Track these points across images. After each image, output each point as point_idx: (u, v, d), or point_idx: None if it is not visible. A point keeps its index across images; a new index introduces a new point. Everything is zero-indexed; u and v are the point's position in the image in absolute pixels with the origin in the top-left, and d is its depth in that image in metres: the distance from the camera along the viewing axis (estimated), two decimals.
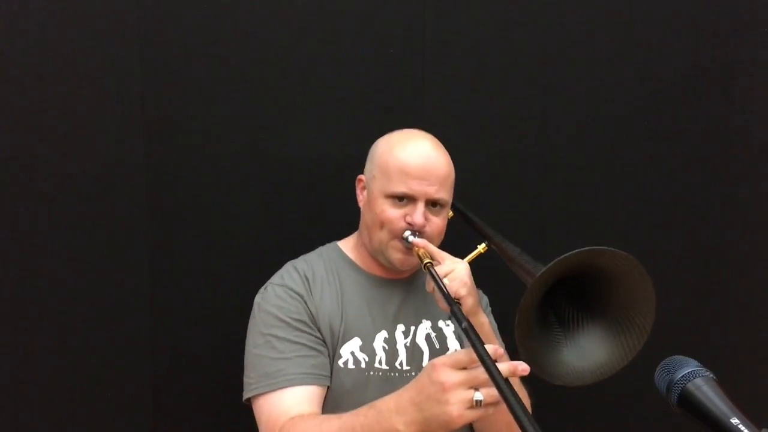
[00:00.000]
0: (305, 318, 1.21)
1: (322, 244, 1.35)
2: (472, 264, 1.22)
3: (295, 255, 1.32)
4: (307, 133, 1.49)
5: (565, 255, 0.78)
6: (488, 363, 0.80)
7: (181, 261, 1.48)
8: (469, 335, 0.86)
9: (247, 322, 1.35)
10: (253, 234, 1.50)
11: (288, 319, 1.20)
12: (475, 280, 1.37)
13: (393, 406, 0.95)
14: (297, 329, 1.19)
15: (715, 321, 1.72)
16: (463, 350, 0.88)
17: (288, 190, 1.51)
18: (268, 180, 1.50)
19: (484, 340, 1.08)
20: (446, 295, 1.00)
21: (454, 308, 0.93)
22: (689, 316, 1.71)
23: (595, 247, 0.78)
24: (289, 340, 1.18)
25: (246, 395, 1.19)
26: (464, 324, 0.88)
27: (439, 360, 0.89)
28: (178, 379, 1.50)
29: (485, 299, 1.39)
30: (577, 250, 0.78)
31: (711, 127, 1.68)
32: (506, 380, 0.80)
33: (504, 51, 1.57)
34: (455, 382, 0.86)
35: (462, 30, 1.55)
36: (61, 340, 1.43)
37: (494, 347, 0.86)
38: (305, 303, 1.22)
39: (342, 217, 1.37)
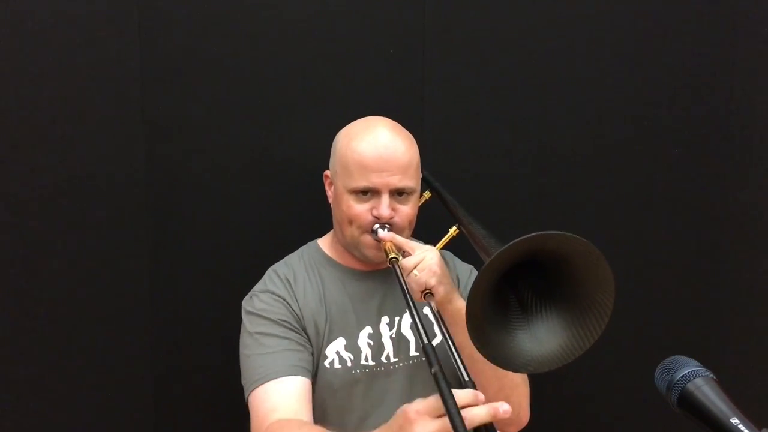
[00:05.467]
0: (290, 319, 1.22)
1: None
2: (451, 244, 1.22)
3: None
4: (307, 132, 1.49)
5: (515, 240, 0.78)
6: (454, 418, 0.72)
7: (182, 261, 1.48)
8: (438, 382, 0.78)
9: None
10: (255, 234, 1.50)
11: (274, 318, 1.21)
12: (460, 257, 1.37)
13: None
14: (283, 327, 1.21)
15: (715, 321, 1.72)
16: (436, 396, 0.80)
17: (287, 190, 1.50)
18: (269, 180, 1.50)
19: (464, 328, 1.03)
20: (409, 303, 0.96)
21: (426, 350, 0.85)
22: (689, 316, 1.71)
23: (543, 232, 0.78)
24: (276, 336, 1.20)
25: (245, 397, 1.20)
26: (434, 369, 0.80)
27: (412, 408, 0.81)
28: (179, 380, 1.50)
29: (474, 273, 1.36)
30: (525, 236, 0.78)
31: (711, 127, 1.67)
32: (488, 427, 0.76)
33: (504, 51, 1.57)
34: None
35: (462, 30, 1.55)
36: (61, 340, 1.43)
37: (473, 393, 0.79)
38: (289, 306, 1.23)
39: None
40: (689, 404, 0.66)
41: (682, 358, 0.71)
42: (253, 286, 1.29)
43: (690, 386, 0.66)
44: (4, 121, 1.36)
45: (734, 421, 0.62)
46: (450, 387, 0.77)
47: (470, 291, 0.81)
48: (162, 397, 1.49)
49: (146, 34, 1.40)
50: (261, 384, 1.15)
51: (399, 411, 0.84)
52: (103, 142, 1.41)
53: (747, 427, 0.61)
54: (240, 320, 1.26)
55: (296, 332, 1.22)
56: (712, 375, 0.67)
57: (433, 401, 0.80)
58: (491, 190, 1.59)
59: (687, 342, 1.69)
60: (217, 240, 1.49)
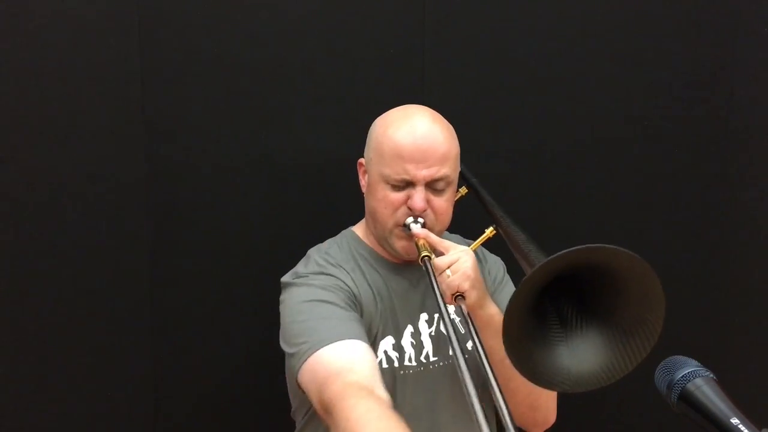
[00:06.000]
0: (353, 301, 1.13)
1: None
2: (485, 242, 1.17)
3: (295, 256, 1.31)
4: (307, 132, 1.49)
5: (561, 252, 0.74)
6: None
7: (182, 261, 1.48)
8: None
9: (249, 322, 1.35)
10: (254, 234, 1.50)
11: (334, 290, 1.12)
12: (495, 253, 1.34)
13: None
14: (345, 301, 1.11)
15: (715, 321, 1.72)
16: None
17: (287, 190, 1.50)
18: (268, 180, 1.50)
19: (495, 333, 0.98)
20: (440, 305, 0.92)
21: (452, 339, 0.84)
22: (689, 316, 1.71)
23: (591, 245, 0.74)
24: (338, 306, 1.10)
25: (299, 363, 1.04)
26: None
27: None
28: (179, 380, 1.50)
29: (503, 267, 1.33)
30: (575, 248, 0.74)
31: (711, 127, 1.67)
32: None
33: (504, 51, 1.57)
34: None
35: (462, 30, 1.55)
36: (61, 340, 1.43)
37: None
38: (350, 289, 1.15)
39: (341, 218, 1.37)
40: (689, 404, 0.66)
41: (682, 358, 0.71)
42: (253, 285, 1.28)
43: (690, 386, 0.66)
44: (4, 121, 1.36)
45: (734, 421, 0.62)
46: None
47: (509, 304, 0.77)
48: (162, 397, 1.49)
49: (146, 34, 1.40)
50: (329, 344, 1.01)
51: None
52: (103, 142, 1.41)
53: (747, 427, 0.61)
54: (243, 318, 1.24)
55: (358, 312, 1.12)
56: (712, 375, 0.67)
57: None
58: (490, 190, 1.59)
59: (687, 342, 1.69)
60: (217, 240, 1.49)
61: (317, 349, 1.02)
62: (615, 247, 0.75)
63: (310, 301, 1.11)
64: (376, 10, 1.50)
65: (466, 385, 0.80)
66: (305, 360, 1.03)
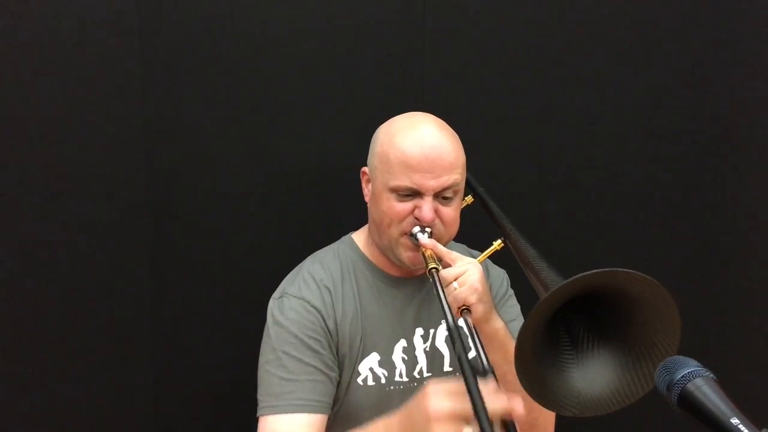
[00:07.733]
0: (321, 336, 1.14)
1: (322, 246, 1.33)
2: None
3: (295, 257, 1.32)
4: (307, 133, 1.49)
5: (577, 276, 0.72)
6: (476, 398, 0.73)
7: (182, 261, 1.48)
8: (462, 367, 0.78)
9: (249, 322, 1.34)
10: (254, 234, 1.50)
11: (303, 337, 1.13)
12: (498, 264, 1.33)
13: (383, 429, 0.92)
14: (311, 349, 1.13)
15: (715, 321, 1.72)
16: (458, 379, 0.80)
17: (288, 190, 1.50)
18: (268, 180, 1.50)
19: (499, 347, 1.04)
20: (446, 314, 0.92)
21: (451, 331, 0.86)
22: (689, 316, 1.70)
23: (611, 269, 0.73)
24: (301, 361, 1.12)
25: (257, 413, 1.14)
26: (458, 353, 0.81)
27: (433, 385, 0.82)
28: (179, 380, 1.50)
29: (506, 280, 1.32)
30: (592, 271, 0.72)
31: (711, 127, 1.67)
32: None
33: (504, 51, 1.57)
34: (443, 412, 0.79)
35: (462, 30, 1.55)
36: (61, 340, 1.43)
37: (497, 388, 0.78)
38: (324, 321, 1.15)
39: (342, 218, 1.37)
40: (689, 404, 0.66)
41: (682, 358, 0.70)
42: (253, 286, 1.28)
43: (690, 386, 0.66)
44: (4, 121, 1.36)
45: (734, 421, 0.62)
46: (473, 370, 0.76)
47: (521, 329, 0.76)
48: (162, 397, 1.49)
49: (146, 34, 1.40)
50: (275, 413, 1.10)
51: (422, 387, 0.84)
52: (102, 142, 1.41)
53: (747, 427, 0.61)
54: (243, 318, 1.25)
55: (325, 353, 1.14)
56: (712, 375, 0.67)
57: (455, 382, 0.80)
58: (491, 190, 1.59)
59: (687, 342, 1.69)
60: (217, 240, 1.49)
61: (266, 413, 1.11)
62: (634, 272, 0.74)
63: (276, 349, 1.14)
64: (376, 10, 1.50)
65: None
66: (258, 416, 1.13)
